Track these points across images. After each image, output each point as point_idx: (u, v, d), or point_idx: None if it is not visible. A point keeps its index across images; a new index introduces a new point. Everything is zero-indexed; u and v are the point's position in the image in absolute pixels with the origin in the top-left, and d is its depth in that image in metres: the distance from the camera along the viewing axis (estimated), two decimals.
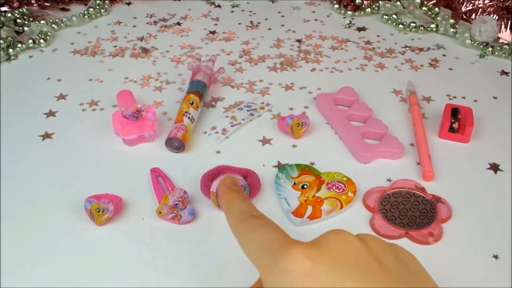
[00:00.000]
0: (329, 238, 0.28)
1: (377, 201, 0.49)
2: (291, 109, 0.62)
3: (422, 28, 0.78)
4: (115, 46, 0.75)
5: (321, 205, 0.49)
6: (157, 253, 0.45)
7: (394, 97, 0.65)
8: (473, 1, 0.81)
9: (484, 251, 0.45)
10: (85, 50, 0.74)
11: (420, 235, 0.46)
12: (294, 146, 0.57)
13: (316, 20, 0.82)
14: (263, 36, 0.78)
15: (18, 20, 0.78)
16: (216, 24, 0.81)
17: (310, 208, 0.48)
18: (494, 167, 0.54)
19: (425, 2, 0.83)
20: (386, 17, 0.81)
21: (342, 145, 0.57)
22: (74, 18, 0.80)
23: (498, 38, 0.76)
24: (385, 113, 0.61)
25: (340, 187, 0.50)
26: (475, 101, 0.64)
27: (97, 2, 0.83)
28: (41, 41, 0.74)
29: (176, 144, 0.55)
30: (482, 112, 0.62)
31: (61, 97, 0.64)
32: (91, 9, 0.82)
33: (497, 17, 0.78)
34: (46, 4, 0.83)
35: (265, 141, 0.58)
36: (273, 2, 0.88)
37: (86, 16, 0.81)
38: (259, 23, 0.81)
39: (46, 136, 0.58)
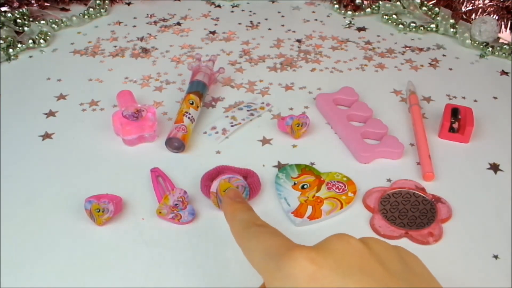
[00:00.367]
0: (333, 242, 0.28)
1: (377, 201, 0.49)
2: (291, 109, 0.62)
3: (422, 28, 0.78)
4: (115, 46, 0.75)
5: (321, 205, 0.49)
6: (157, 253, 0.44)
7: (394, 97, 0.65)
8: (473, 1, 0.81)
9: (484, 251, 0.45)
10: (85, 50, 0.74)
11: (420, 235, 0.46)
12: (294, 146, 0.57)
13: (316, 20, 0.82)
14: (263, 36, 0.78)
15: (18, 20, 0.78)
16: (216, 24, 0.81)
17: (310, 208, 0.48)
18: (494, 167, 0.54)
19: (425, 2, 0.83)
20: (386, 17, 0.81)
21: (342, 145, 0.57)
22: (74, 18, 0.80)
23: (498, 38, 0.76)
24: (385, 113, 0.61)
25: (340, 187, 0.50)
26: (475, 101, 0.64)
27: (97, 2, 0.83)
28: (41, 41, 0.74)
29: (176, 144, 0.55)
30: (482, 112, 0.62)
31: (61, 97, 0.64)
32: (91, 9, 0.82)
33: (497, 17, 0.78)
34: (46, 4, 0.83)
35: (265, 141, 0.58)
36: (273, 2, 0.88)
37: (86, 16, 0.81)
38: (259, 23, 0.81)
39: (46, 136, 0.58)
